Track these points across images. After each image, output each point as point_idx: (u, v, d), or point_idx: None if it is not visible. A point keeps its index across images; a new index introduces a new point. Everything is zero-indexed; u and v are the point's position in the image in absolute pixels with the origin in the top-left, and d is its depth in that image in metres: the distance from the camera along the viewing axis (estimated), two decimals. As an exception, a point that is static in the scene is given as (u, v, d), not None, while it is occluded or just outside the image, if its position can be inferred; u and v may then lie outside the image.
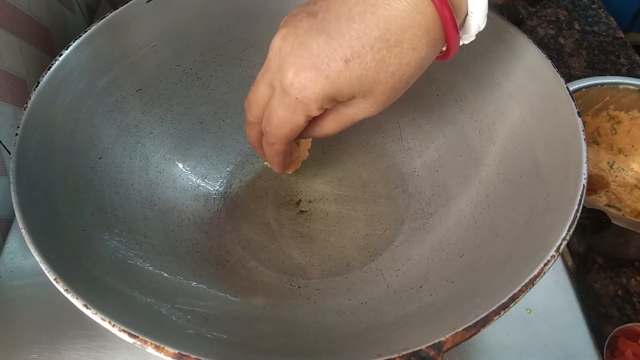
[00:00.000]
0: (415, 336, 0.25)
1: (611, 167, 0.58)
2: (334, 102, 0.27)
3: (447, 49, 0.27)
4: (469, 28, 0.26)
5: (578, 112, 0.31)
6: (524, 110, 0.36)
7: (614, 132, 0.59)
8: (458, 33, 0.25)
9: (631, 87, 0.56)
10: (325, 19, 0.25)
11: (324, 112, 0.28)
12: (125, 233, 0.34)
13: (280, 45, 0.26)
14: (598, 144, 0.60)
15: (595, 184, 0.56)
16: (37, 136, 0.32)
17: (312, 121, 0.29)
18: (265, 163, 0.41)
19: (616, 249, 0.51)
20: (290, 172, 0.42)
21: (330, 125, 0.30)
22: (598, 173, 0.57)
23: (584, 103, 0.58)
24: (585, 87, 0.56)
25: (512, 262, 0.29)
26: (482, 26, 0.26)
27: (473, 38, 0.27)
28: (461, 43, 0.27)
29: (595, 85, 0.56)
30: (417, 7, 0.23)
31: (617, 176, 0.57)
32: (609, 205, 0.53)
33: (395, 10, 0.23)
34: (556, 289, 0.40)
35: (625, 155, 0.59)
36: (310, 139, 0.41)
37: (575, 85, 0.56)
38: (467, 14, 0.26)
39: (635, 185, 0.56)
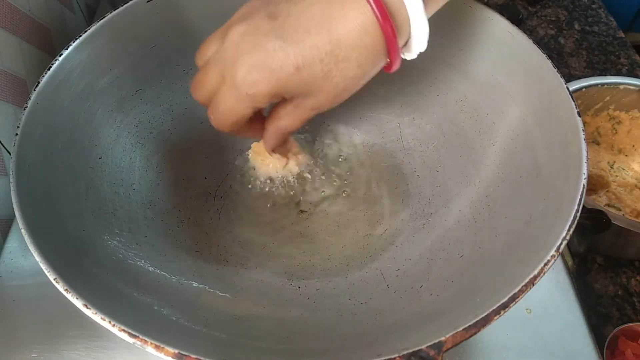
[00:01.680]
0: (415, 336, 0.25)
1: (611, 167, 0.58)
2: (280, 98, 0.29)
3: (389, 64, 0.29)
4: (411, 49, 0.29)
5: (578, 112, 0.31)
6: (524, 110, 0.36)
7: (614, 132, 0.59)
8: (399, 54, 0.28)
9: (631, 87, 0.56)
10: (284, 25, 0.27)
11: (277, 111, 0.31)
12: (125, 233, 0.34)
13: (238, 40, 0.28)
14: (598, 144, 0.60)
15: (595, 184, 0.56)
16: (37, 136, 0.32)
17: (270, 121, 0.32)
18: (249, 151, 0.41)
19: (616, 249, 0.51)
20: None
21: (284, 121, 0.31)
22: (598, 173, 0.57)
23: (584, 103, 0.58)
24: (585, 87, 0.56)
25: (512, 262, 0.29)
26: (423, 49, 0.29)
27: (414, 57, 0.30)
28: (403, 58, 0.30)
29: (596, 85, 0.56)
30: (366, 30, 0.26)
31: (617, 176, 0.57)
32: (609, 205, 0.53)
33: (348, 30, 0.26)
34: (556, 289, 0.40)
35: (626, 155, 0.59)
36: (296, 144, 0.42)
37: (575, 85, 0.56)
38: (409, 37, 0.28)
39: (635, 185, 0.56)
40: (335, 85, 0.28)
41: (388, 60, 0.29)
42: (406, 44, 0.29)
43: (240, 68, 0.27)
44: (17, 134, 0.31)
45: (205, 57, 0.31)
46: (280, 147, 0.38)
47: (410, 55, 0.30)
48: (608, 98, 0.58)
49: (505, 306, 0.24)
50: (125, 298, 0.29)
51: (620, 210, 0.53)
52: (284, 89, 0.28)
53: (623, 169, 0.58)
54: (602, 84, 0.56)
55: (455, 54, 0.40)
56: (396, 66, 0.29)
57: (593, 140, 0.60)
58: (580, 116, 0.31)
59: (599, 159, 0.58)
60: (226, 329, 0.30)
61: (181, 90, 0.42)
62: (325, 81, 0.27)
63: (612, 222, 0.45)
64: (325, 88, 0.28)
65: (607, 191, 0.55)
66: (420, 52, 0.29)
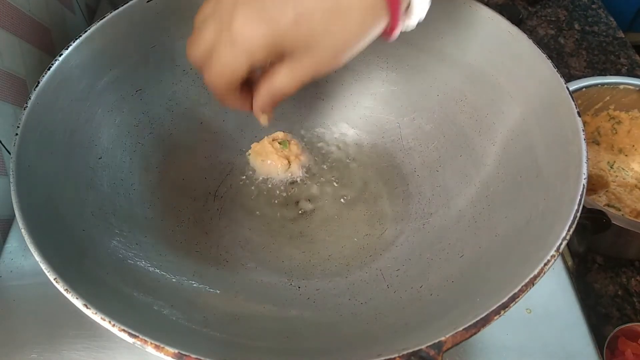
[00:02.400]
0: (415, 336, 0.25)
1: (611, 167, 0.58)
2: (277, 54, 0.28)
3: (389, 28, 0.29)
4: (412, 14, 0.29)
5: (578, 112, 0.31)
6: (524, 110, 0.36)
7: (614, 132, 0.59)
8: (401, 16, 0.28)
9: (631, 87, 0.56)
10: None
11: (274, 68, 0.30)
12: (125, 233, 0.34)
13: None
14: (598, 144, 0.60)
15: (595, 184, 0.56)
16: (37, 136, 0.32)
17: (264, 80, 0.30)
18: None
19: (616, 249, 0.51)
20: (264, 123, 0.37)
21: (280, 83, 0.30)
22: (598, 173, 0.57)
23: (584, 103, 0.58)
24: (585, 86, 0.56)
25: (512, 262, 0.29)
26: (423, 16, 0.29)
27: (413, 27, 0.29)
28: (402, 29, 0.29)
29: (596, 85, 0.56)
30: None
31: (617, 176, 0.57)
32: (608, 205, 0.53)
33: None
34: (556, 289, 0.40)
35: (626, 155, 0.59)
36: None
37: (575, 85, 0.56)
38: (410, 3, 0.28)
39: (635, 185, 0.56)
40: (335, 42, 0.27)
41: (389, 22, 0.28)
42: (407, 9, 0.28)
43: (237, 20, 0.27)
44: (17, 134, 0.31)
45: (203, 17, 0.30)
46: (269, 112, 0.35)
47: (410, 22, 0.29)
48: (608, 98, 0.58)
49: (505, 306, 0.24)
50: (125, 298, 0.29)
51: (619, 210, 0.53)
52: (282, 41, 0.27)
53: (623, 169, 0.58)
54: (602, 84, 0.56)
55: (455, 54, 0.40)
56: (396, 32, 0.29)
57: (593, 140, 0.60)
58: (580, 116, 0.31)
59: (599, 158, 0.58)
60: (226, 329, 0.30)
61: (181, 90, 0.42)
62: (325, 36, 0.27)
63: (612, 222, 0.45)
64: (324, 44, 0.27)
65: (607, 191, 0.55)
66: (420, 21, 0.29)
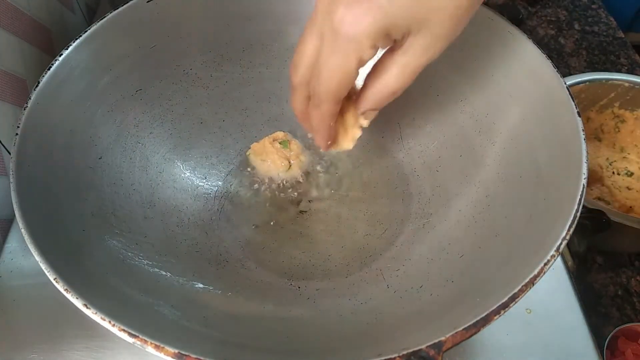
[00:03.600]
0: (415, 336, 0.25)
1: (609, 164, 0.58)
2: (387, 40, 0.25)
3: None
4: None
5: (578, 112, 0.31)
6: (524, 110, 0.36)
7: (617, 130, 0.59)
8: None
9: (637, 86, 0.56)
10: None
11: (382, 65, 0.27)
12: (125, 233, 0.34)
13: None
14: (600, 140, 0.60)
15: (589, 178, 0.56)
16: (37, 136, 0.32)
17: (373, 80, 0.27)
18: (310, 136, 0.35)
19: (611, 243, 0.51)
20: (336, 150, 0.35)
21: (392, 78, 0.27)
22: (594, 168, 0.57)
23: (589, 97, 0.58)
24: (590, 80, 0.56)
25: (512, 262, 0.29)
26: None
27: None
28: None
29: (600, 80, 0.56)
30: None
31: (613, 173, 0.57)
32: (599, 199, 0.53)
33: None
34: (556, 289, 0.40)
35: (628, 154, 0.59)
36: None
37: (578, 79, 0.56)
38: None
39: (628, 186, 0.56)
40: (452, 10, 0.24)
41: None
42: None
43: (337, 10, 0.24)
44: (17, 134, 0.31)
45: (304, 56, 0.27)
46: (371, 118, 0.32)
47: None
48: (613, 95, 0.58)
49: (505, 306, 0.24)
50: (125, 298, 0.29)
51: (609, 204, 0.53)
52: (391, 19, 0.23)
53: (620, 168, 0.58)
54: (607, 80, 0.56)
55: (455, 54, 0.40)
56: None
57: (595, 137, 0.60)
58: (580, 116, 0.31)
59: (598, 154, 0.59)
60: (226, 329, 0.30)
61: (181, 90, 0.42)
62: (441, 4, 0.23)
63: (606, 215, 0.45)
64: (439, 5, 0.23)
65: (602, 185, 0.55)
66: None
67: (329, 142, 0.32)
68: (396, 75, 0.27)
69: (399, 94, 0.28)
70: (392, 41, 0.25)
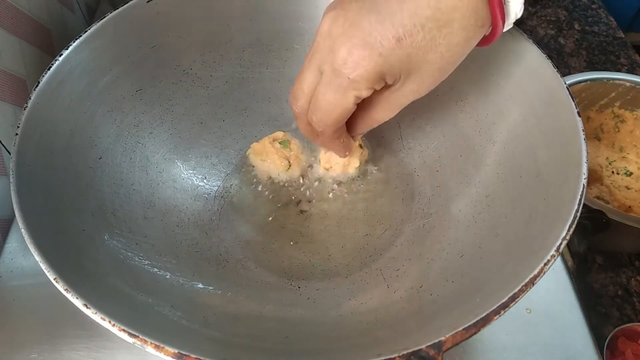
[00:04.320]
0: (415, 336, 0.25)
1: (609, 164, 0.58)
2: (382, 82, 0.27)
3: (490, 33, 0.27)
4: (509, 13, 0.27)
5: (578, 112, 0.31)
6: (524, 110, 0.36)
7: (616, 130, 0.59)
8: (504, 14, 0.26)
9: (638, 86, 0.56)
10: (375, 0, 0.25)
11: (372, 101, 0.29)
12: (125, 233, 0.34)
13: (330, 27, 0.26)
14: (599, 140, 0.60)
15: (589, 177, 0.57)
16: (37, 136, 0.32)
17: (362, 112, 0.30)
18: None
19: (611, 243, 0.51)
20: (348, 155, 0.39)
21: (380, 112, 0.30)
22: (594, 168, 0.57)
23: (589, 97, 0.58)
24: (591, 79, 0.56)
25: (512, 262, 0.29)
26: (519, 14, 0.27)
27: (511, 26, 0.28)
28: (505, 28, 0.28)
29: (601, 79, 0.56)
30: None
31: (612, 173, 0.57)
32: (598, 198, 0.53)
33: None
34: (556, 289, 0.40)
35: (627, 154, 0.59)
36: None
37: (579, 78, 0.56)
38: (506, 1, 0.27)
39: (627, 186, 0.56)
40: (441, 55, 0.26)
41: (491, 24, 0.27)
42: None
43: (339, 52, 0.25)
44: (17, 134, 0.31)
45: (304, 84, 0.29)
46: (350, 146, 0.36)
47: (507, 24, 0.28)
48: (613, 94, 0.58)
49: (505, 306, 0.24)
50: (125, 298, 0.29)
51: (608, 203, 0.53)
52: (388, 66, 0.26)
53: (620, 167, 0.58)
54: (608, 79, 0.56)
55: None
56: (498, 32, 0.27)
57: (595, 136, 0.60)
58: (580, 116, 0.31)
59: (598, 154, 0.59)
60: (226, 329, 0.30)
61: (181, 90, 0.43)
62: (430, 51, 0.25)
63: (606, 214, 0.45)
64: (430, 60, 0.26)
65: (601, 184, 0.55)
66: (517, 19, 0.27)
67: (347, 152, 0.36)
68: (384, 110, 0.30)
69: (380, 123, 0.31)
70: (385, 82, 0.27)
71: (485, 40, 0.28)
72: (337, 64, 0.26)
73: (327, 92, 0.27)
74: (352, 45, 0.25)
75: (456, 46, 0.26)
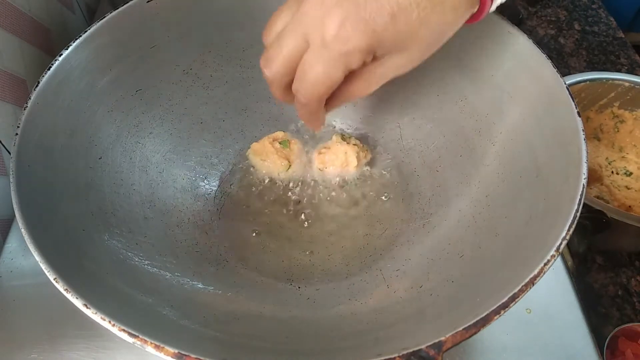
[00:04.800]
0: (415, 336, 0.25)
1: (609, 164, 0.58)
2: (371, 56, 0.27)
3: (478, 9, 0.28)
4: None
5: (578, 112, 0.31)
6: (524, 110, 0.36)
7: (616, 130, 0.60)
8: None
9: (637, 86, 0.56)
10: None
11: (354, 74, 0.28)
12: (125, 233, 0.34)
13: None
14: (599, 140, 0.60)
15: (589, 177, 0.57)
16: (37, 136, 0.32)
17: (341, 85, 0.29)
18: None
19: (611, 242, 0.51)
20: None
21: (360, 86, 0.29)
22: (594, 167, 0.57)
23: (588, 97, 0.58)
24: (590, 80, 0.56)
25: (512, 261, 0.29)
26: None
27: (498, 4, 0.29)
28: (490, 9, 0.29)
29: (601, 79, 0.56)
30: None
31: (612, 173, 0.57)
32: (598, 197, 0.53)
33: None
34: (556, 289, 0.40)
35: (626, 154, 0.59)
36: None
37: (579, 78, 0.56)
38: None
39: (626, 186, 0.56)
40: (431, 32, 0.26)
41: (478, 4, 0.27)
42: None
43: (330, 24, 0.25)
44: (17, 134, 0.31)
45: (276, 28, 0.29)
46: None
47: (495, 3, 0.28)
48: (613, 94, 0.58)
49: (505, 306, 0.24)
50: (125, 298, 0.29)
51: (608, 203, 0.53)
52: (379, 41, 0.26)
53: (619, 167, 0.58)
54: (607, 79, 0.56)
55: (454, 54, 0.40)
56: (486, 10, 0.28)
57: (594, 136, 0.60)
58: (579, 116, 0.31)
59: (597, 154, 0.59)
60: (226, 329, 0.30)
61: (181, 90, 0.42)
62: (422, 27, 0.26)
63: (606, 213, 0.45)
64: (421, 36, 0.26)
65: (601, 184, 0.55)
66: (502, 2, 0.28)
67: (322, 127, 0.34)
68: (365, 84, 0.29)
69: (358, 98, 0.31)
70: (372, 56, 0.27)
71: (471, 19, 0.29)
72: (328, 36, 0.26)
73: (315, 64, 0.27)
74: (346, 19, 0.25)
75: (447, 24, 0.27)
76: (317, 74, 0.27)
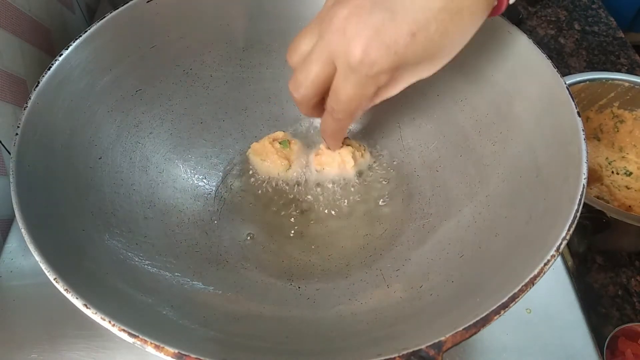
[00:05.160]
0: (415, 336, 0.25)
1: (609, 164, 0.58)
2: (398, 71, 0.28)
3: (497, 4, 0.28)
4: None
5: (578, 112, 0.31)
6: (524, 110, 0.36)
7: (616, 130, 0.60)
8: None
9: (637, 86, 0.56)
10: None
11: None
12: (125, 233, 0.34)
13: (343, 25, 0.27)
14: (599, 140, 0.60)
15: (589, 177, 0.57)
16: (37, 136, 0.32)
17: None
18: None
19: (611, 242, 0.51)
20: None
21: (383, 94, 0.31)
22: (594, 167, 0.57)
23: (588, 97, 0.58)
24: (590, 80, 0.56)
25: (512, 262, 0.29)
26: None
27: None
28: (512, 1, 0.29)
29: (600, 79, 0.56)
30: None
31: (612, 173, 0.57)
32: (598, 197, 0.53)
33: None
34: (556, 289, 0.40)
35: (626, 154, 0.59)
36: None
37: (578, 78, 0.56)
38: None
39: (626, 186, 0.56)
40: (452, 40, 0.27)
41: (496, 2, 0.28)
42: None
43: (354, 50, 0.26)
44: (17, 134, 0.31)
45: (301, 53, 0.30)
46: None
47: None
48: (613, 94, 0.58)
49: (505, 306, 0.24)
50: (125, 298, 0.29)
51: (608, 203, 0.53)
52: (404, 60, 0.27)
53: (620, 167, 0.58)
54: (607, 79, 0.56)
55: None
56: (504, 5, 0.28)
57: (594, 136, 0.60)
58: (580, 116, 0.31)
59: (597, 154, 0.59)
60: (226, 329, 0.30)
61: (181, 90, 0.42)
62: (442, 38, 0.27)
63: (606, 213, 0.45)
64: (442, 46, 0.27)
65: (601, 184, 0.55)
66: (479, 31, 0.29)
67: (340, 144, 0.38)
68: (391, 88, 0.30)
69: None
70: (399, 70, 0.28)
71: (492, 12, 0.29)
72: (354, 62, 0.27)
73: (346, 87, 0.29)
74: (368, 46, 0.26)
75: (467, 30, 0.27)
76: (348, 95, 0.29)
